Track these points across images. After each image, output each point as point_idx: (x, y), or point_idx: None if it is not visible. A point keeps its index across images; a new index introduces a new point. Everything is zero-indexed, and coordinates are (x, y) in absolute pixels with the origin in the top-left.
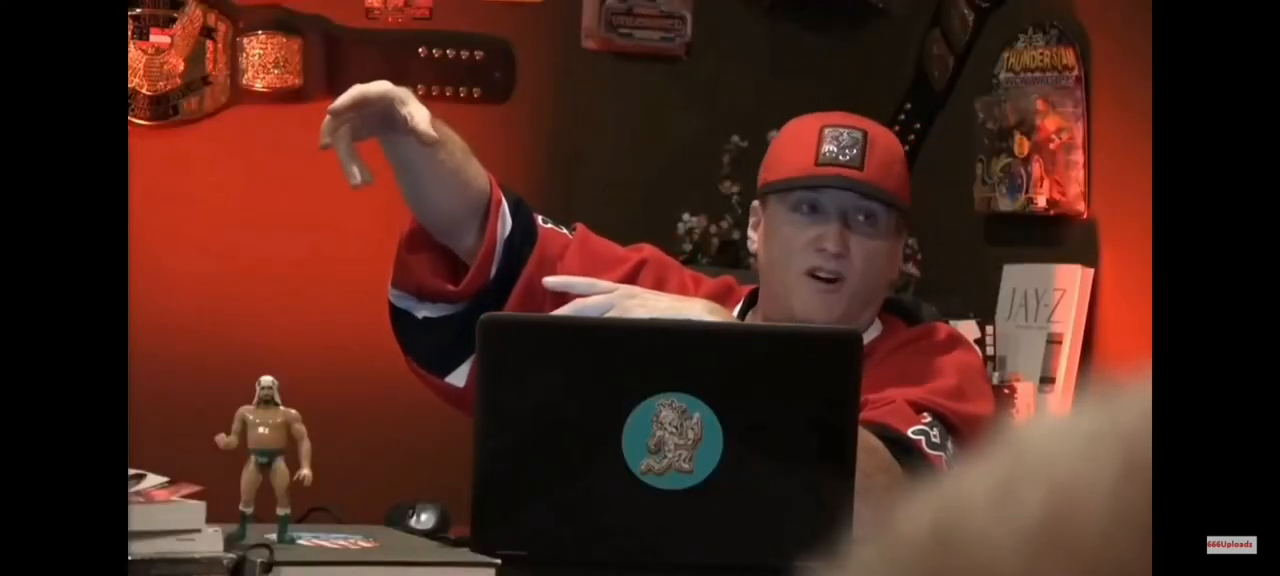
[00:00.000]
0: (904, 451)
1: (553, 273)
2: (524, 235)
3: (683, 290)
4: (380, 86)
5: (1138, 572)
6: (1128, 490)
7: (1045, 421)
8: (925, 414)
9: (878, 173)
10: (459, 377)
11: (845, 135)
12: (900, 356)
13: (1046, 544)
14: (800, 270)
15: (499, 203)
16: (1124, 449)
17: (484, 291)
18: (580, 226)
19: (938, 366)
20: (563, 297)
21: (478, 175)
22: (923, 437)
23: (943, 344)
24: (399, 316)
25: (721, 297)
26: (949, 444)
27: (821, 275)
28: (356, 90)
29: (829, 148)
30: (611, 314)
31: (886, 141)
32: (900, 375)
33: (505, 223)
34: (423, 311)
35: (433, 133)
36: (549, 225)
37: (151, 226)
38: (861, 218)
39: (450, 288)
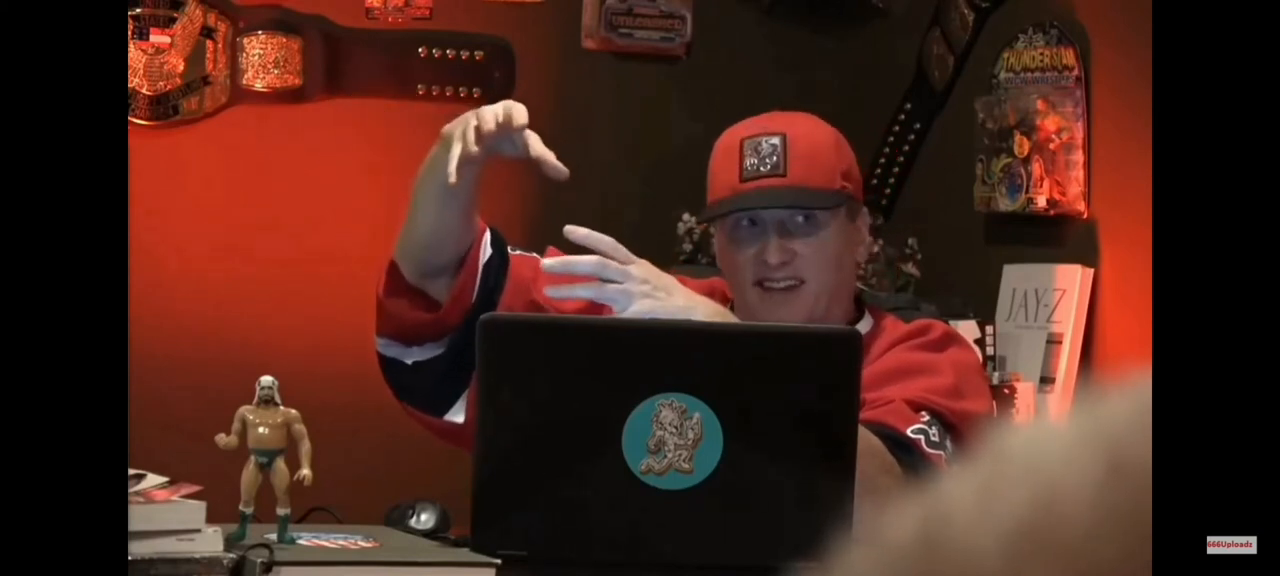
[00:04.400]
0: (903, 451)
1: (527, 297)
2: (500, 263)
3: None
4: (519, 109)
5: (1124, 574)
6: (1113, 492)
7: (1031, 425)
8: (923, 412)
9: (803, 174)
10: (457, 414)
11: (764, 144)
12: (896, 354)
13: (1032, 546)
14: (751, 283)
15: (483, 229)
16: (1109, 451)
17: (467, 321)
18: (552, 250)
19: (934, 364)
20: None
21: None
22: (922, 436)
23: (938, 341)
24: (389, 365)
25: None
26: (947, 442)
27: (771, 284)
28: (508, 111)
29: (749, 161)
30: (619, 306)
31: (809, 137)
32: (896, 373)
33: (486, 250)
34: (412, 356)
35: (559, 166)
36: (517, 252)
37: (151, 226)
38: (800, 220)
39: (432, 318)
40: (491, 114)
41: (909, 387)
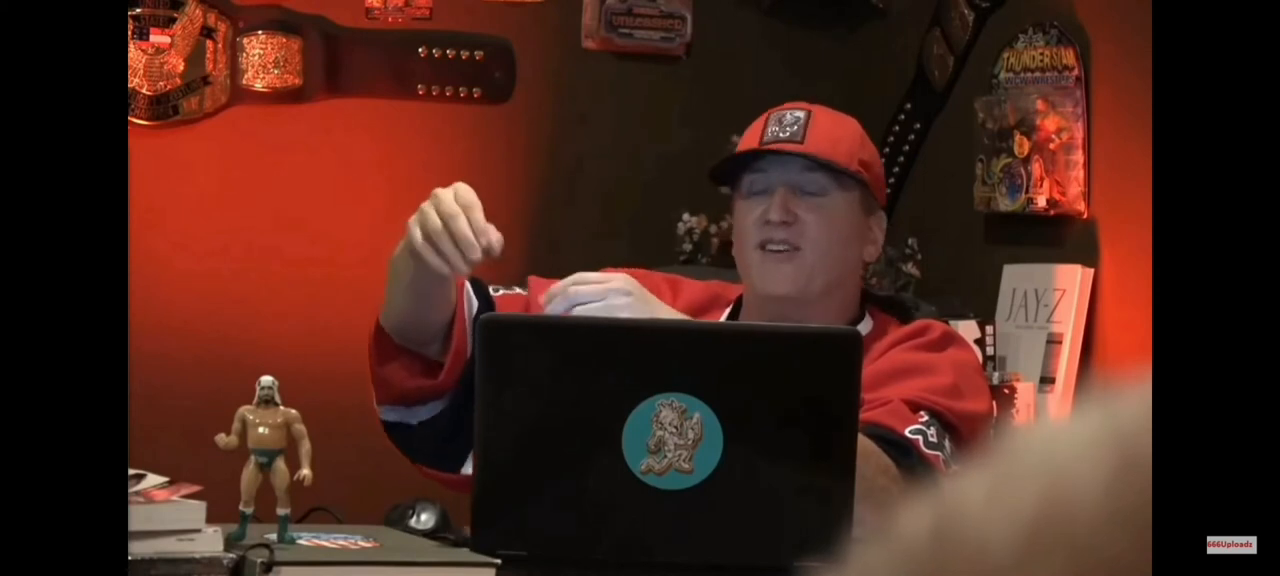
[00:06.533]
0: (902, 452)
1: None
2: (485, 309)
3: (657, 293)
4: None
5: (1134, 571)
6: (1124, 489)
7: (1044, 421)
8: (922, 412)
9: (821, 145)
10: (470, 468)
11: (788, 116)
12: (895, 354)
13: (1043, 542)
14: (754, 245)
15: (461, 285)
16: (1120, 448)
17: (465, 380)
18: (532, 278)
19: (933, 364)
20: None
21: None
22: (920, 437)
23: (937, 341)
24: (395, 429)
25: (707, 303)
26: (946, 442)
27: (772, 246)
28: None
29: (772, 129)
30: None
31: (834, 121)
32: (895, 373)
33: (471, 303)
34: (417, 417)
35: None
36: (500, 291)
37: (152, 226)
38: (810, 190)
39: (431, 383)
40: (458, 231)
41: (907, 388)
